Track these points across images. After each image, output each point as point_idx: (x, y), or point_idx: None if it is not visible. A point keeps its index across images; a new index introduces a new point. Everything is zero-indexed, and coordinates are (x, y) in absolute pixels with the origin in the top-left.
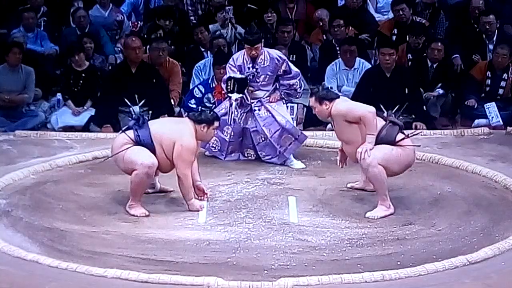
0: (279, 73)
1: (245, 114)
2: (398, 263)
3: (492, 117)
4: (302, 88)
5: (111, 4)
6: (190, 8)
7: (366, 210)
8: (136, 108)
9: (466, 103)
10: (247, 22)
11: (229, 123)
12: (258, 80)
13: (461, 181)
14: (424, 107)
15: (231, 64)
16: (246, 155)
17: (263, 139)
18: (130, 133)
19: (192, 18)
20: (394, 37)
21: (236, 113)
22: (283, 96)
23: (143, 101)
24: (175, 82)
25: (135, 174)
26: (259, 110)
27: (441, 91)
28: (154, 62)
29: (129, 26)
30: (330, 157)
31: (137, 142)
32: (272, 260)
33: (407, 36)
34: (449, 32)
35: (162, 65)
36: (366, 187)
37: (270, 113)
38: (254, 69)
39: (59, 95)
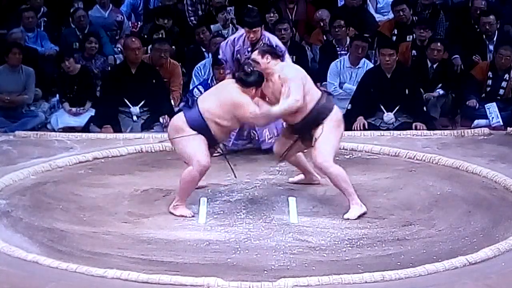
0: None
1: None
2: (398, 263)
3: (493, 118)
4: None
5: (111, 5)
6: (190, 8)
7: (365, 210)
8: (136, 109)
9: (467, 103)
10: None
11: None
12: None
13: (461, 181)
14: (424, 107)
15: (228, 45)
16: (251, 135)
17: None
18: (182, 116)
19: (192, 18)
20: (394, 38)
21: None
22: None
23: (143, 102)
24: (176, 83)
25: (188, 172)
26: None
27: (441, 92)
28: (155, 63)
29: (128, 26)
30: None
31: (191, 125)
32: (272, 261)
33: (413, 30)
34: (449, 32)
35: (163, 66)
36: (312, 180)
37: None
38: (245, 53)
39: (58, 96)
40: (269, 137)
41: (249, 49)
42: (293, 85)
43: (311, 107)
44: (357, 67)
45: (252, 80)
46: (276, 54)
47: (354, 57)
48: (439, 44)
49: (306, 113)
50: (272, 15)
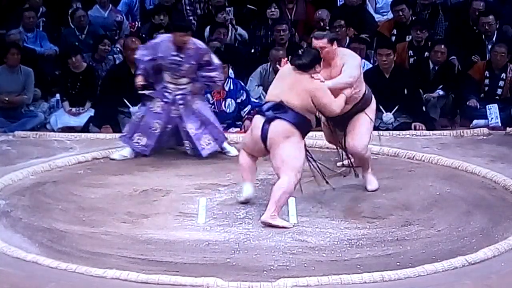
0: (200, 63)
1: (171, 106)
2: (398, 263)
3: (492, 118)
4: (221, 81)
5: (110, 5)
6: (188, 8)
7: (365, 210)
8: (135, 109)
9: (467, 103)
10: (247, 23)
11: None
12: (181, 69)
13: (461, 181)
14: (424, 108)
15: (149, 47)
16: (182, 145)
17: (190, 133)
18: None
19: (191, 18)
20: (393, 38)
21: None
22: (203, 87)
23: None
24: None
25: (288, 182)
26: (184, 104)
27: (441, 92)
28: None
29: (128, 26)
30: (330, 157)
31: (298, 127)
32: (271, 261)
33: (410, 31)
34: (448, 32)
35: None
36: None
37: (195, 110)
38: (179, 58)
39: (58, 96)
40: (207, 143)
41: (173, 53)
42: (350, 65)
43: (361, 95)
44: None
45: (313, 59)
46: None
47: None
48: (442, 46)
49: (357, 101)
50: (273, 9)
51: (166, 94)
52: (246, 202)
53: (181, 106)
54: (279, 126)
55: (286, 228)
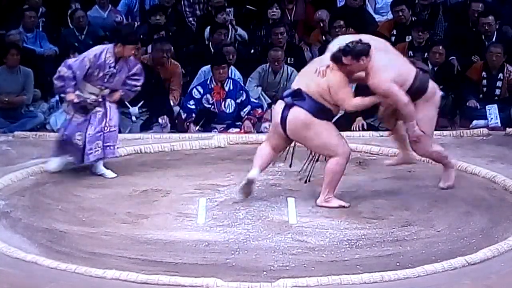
0: (128, 75)
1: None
2: (397, 264)
3: (491, 118)
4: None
5: (110, 5)
6: (187, 9)
7: (365, 211)
8: (135, 109)
9: (467, 103)
10: (246, 24)
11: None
12: (111, 81)
13: (460, 182)
14: None
15: (85, 60)
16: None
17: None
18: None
19: (190, 19)
20: (393, 38)
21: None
22: (124, 95)
23: (141, 102)
24: (175, 83)
25: (336, 162)
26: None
27: (441, 93)
28: (156, 62)
29: None
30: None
31: (316, 115)
32: (271, 261)
33: (411, 32)
34: (447, 33)
35: (164, 65)
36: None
37: (106, 112)
38: (114, 70)
39: (58, 97)
40: (95, 149)
41: (112, 64)
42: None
43: (407, 88)
44: None
45: (358, 51)
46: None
47: None
48: (440, 47)
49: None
50: (274, 10)
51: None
52: (247, 192)
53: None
54: (297, 114)
55: (344, 207)
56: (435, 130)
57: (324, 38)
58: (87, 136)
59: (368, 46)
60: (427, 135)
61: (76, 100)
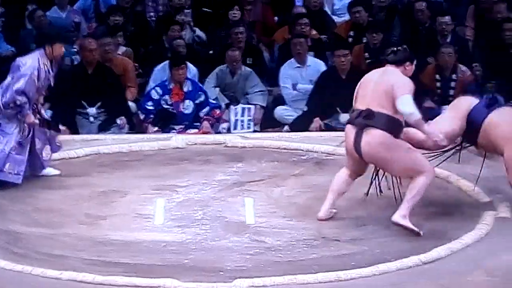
0: None
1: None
2: (353, 263)
3: None
4: None
5: (68, 6)
6: (150, 10)
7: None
8: (93, 110)
9: (423, 105)
10: (204, 25)
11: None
12: (49, 83)
13: None
14: None
15: (31, 78)
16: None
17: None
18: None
19: (151, 20)
20: (350, 39)
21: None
22: None
23: (99, 103)
24: (130, 79)
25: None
26: None
27: None
28: (104, 59)
29: (85, 28)
30: (287, 158)
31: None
32: (228, 261)
33: (366, 34)
34: (402, 34)
35: (112, 61)
36: None
37: None
38: (51, 72)
39: None
40: (48, 154)
41: (50, 70)
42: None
43: None
44: (305, 65)
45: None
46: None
47: (297, 55)
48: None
49: None
50: (235, 11)
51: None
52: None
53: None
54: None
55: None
56: None
57: (290, 36)
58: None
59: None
60: None
61: (36, 121)
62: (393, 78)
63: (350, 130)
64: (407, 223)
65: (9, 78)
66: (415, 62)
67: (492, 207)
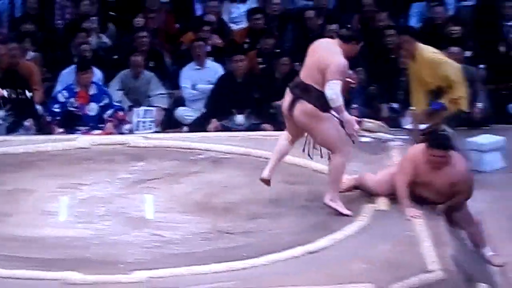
0: None
1: None
2: (244, 254)
3: None
4: None
5: None
6: (57, 18)
7: (217, 206)
8: (1, 112)
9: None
10: (111, 32)
11: None
12: None
13: (304, 178)
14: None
15: None
16: None
17: None
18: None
19: (59, 27)
20: (246, 45)
21: None
22: None
23: (8, 106)
24: (36, 82)
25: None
26: None
27: None
28: (11, 64)
29: None
30: (186, 157)
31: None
32: (128, 255)
33: (259, 40)
34: (294, 41)
35: (19, 65)
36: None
37: None
38: None
39: None
40: None
41: None
42: None
43: None
44: (204, 68)
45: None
46: None
47: (197, 57)
48: (286, 58)
49: None
50: (139, 19)
51: None
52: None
53: None
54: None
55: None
56: (282, 131)
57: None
58: None
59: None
60: None
61: None
62: (331, 59)
63: (288, 95)
64: (336, 205)
65: None
66: (361, 44)
67: (371, 201)
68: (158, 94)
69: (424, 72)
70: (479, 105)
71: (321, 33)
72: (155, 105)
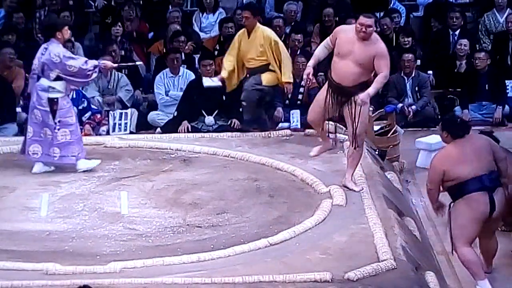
0: None
1: None
2: (212, 246)
3: (293, 121)
4: None
5: None
6: (38, 26)
7: (187, 201)
8: None
9: (275, 113)
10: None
11: None
12: None
13: (267, 175)
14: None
15: None
16: None
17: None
18: None
19: (40, 36)
20: (216, 52)
21: None
22: None
23: None
24: (19, 85)
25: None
26: None
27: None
28: (3, 67)
29: None
30: (158, 156)
31: None
32: (104, 247)
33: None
34: None
35: (10, 68)
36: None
37: None
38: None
39: None
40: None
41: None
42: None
43: None
44: (178, 75)
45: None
46: None
47: (172, 67)
48: None
49: None
50: (118, 28)
51: None
52: None
53: None
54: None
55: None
56: (248, 131)
57: (164, 50)
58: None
59: None
60: None
61: None
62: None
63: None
64: (349, 185)
65: None
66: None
67: (329, 196)
68: (123, 88)
69: None
70: (413, 107)
71: (286, 41)
72: (118, 96)
